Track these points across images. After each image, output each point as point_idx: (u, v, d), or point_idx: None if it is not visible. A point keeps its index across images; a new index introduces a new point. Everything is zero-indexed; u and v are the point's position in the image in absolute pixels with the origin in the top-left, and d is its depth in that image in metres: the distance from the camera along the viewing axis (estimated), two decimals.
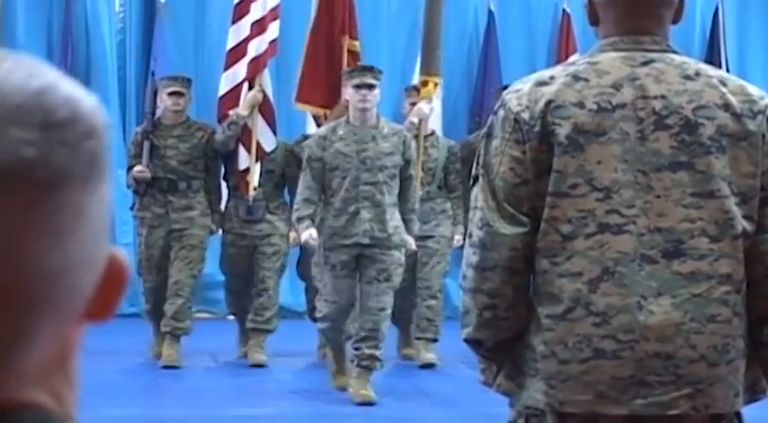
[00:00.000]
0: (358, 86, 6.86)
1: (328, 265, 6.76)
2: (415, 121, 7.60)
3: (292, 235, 7.87)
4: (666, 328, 2.48)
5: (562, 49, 10.52)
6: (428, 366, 7.88)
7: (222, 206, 8.22)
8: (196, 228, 7.95)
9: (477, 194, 2.53)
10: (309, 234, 6.72)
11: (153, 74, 8.77)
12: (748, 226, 2.51)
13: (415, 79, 8.96)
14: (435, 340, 7.99)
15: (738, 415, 2.61)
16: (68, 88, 0.80)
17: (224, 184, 8.33)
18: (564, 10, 10.73)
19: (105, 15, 10.53)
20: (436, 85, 7.68)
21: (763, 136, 2.52)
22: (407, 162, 6.84)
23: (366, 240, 6.72)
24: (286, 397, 6.95)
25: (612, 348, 2.49)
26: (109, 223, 0.82)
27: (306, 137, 7.98)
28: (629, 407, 2.50)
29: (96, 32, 10.54)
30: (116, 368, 7.45)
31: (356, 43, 8.28)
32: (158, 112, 8.12)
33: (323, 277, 6.82)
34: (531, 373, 2.55)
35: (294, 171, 7.81)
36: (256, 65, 8.28)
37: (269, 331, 7.98)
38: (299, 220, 6.79)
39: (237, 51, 8.35)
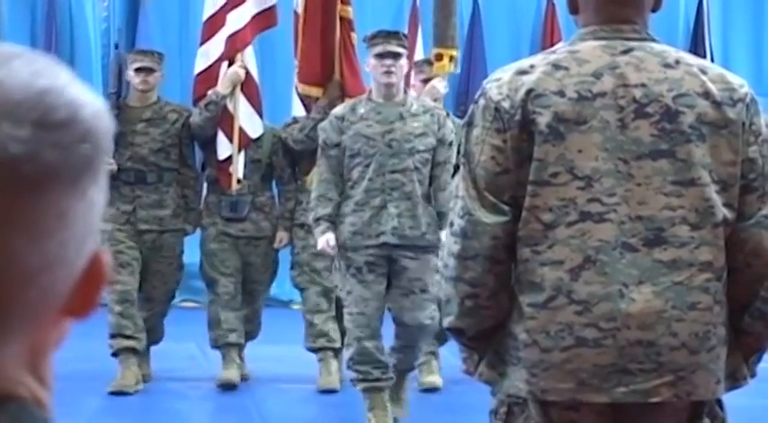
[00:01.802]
0: (381, 55, 5.81)
1: (351, 269, 5.65)
2: (430, 101, 6.32)
3: (280, 235, 6.96)
4: (648, 315, 2.49)
5: (547, 39, 10.51)
6: (431, 390, 6.74)
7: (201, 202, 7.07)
8: (168, 234, 6.84)
9: (459, 183, 2.54)
10: (326, 240, 5.67)
11: (117, 47, 7.70)
12: (729, 214, 2.52)
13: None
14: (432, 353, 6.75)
15: (719, 402, 2.62)
16: (75, 91, 0.79)
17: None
18: None
19: (89, 4, 10.49)
20: (452, 58, 6.48)
21: (743, 124, 2.53)
22: (442, 143, 5.76)
23: (395, 240, 5.63)
24: None
25: (594, 336, 2.50)
26: (97, 225, 0.81)
27: (296, 120, 7.06)
28: (611, 394, 2.51)
29: (80, 20, 10.50)
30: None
31: (348, 8, 7.02)
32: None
33: (344, 284, 5.70)
34: (512, 361, 2.56)
35: (282, 160, 6.98)
36: (235, 42, 7.03)
37: (250, 338, 6.97)
38: (316, 221, 5.75)
39: (214, 22, 7.08)
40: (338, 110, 5.95)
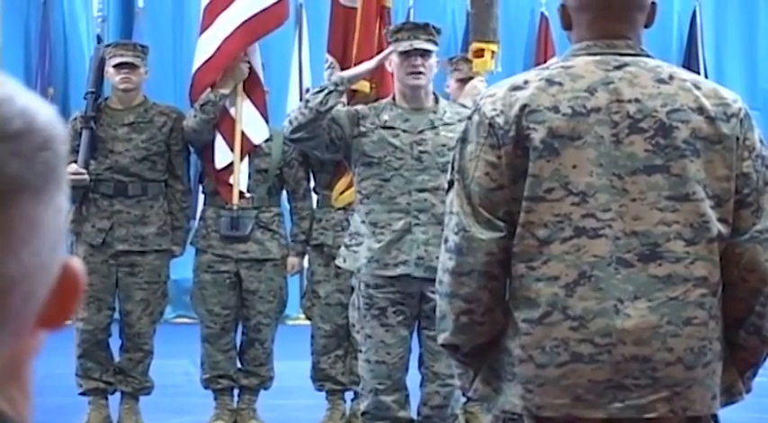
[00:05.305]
0: (407, 53, 4.98)
1: (373, 309, 4.89)
2: (470, 104, 4.97)
3: (291, 261, 6.13)
4: (643, 331, 2.49)
5: (540, 53, 10.54)
6: None
7: (196, 219, 6.26)
8: (151, 256, 5.94)
9: (453, 199, 2.54)
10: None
11: (99, 40, 6.59)
12: (723, 229, 2.52)
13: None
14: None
15: (715, 417, 2.62)
16: (25, 99, 0.80)
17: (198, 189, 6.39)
18: (542, 13, 10.75)
19: (83, 19, 10.51)
20: (494, 53, 5.50)
21: (737, 139, 2.54)
22: None
23: (420, 272, 4.82)
24: None
25: (590, 352, 2.50)
26: (64, 231, 0.83)
27: None
28: (607, 410, 2.51)
29: (74, 37, 10.52)
30: None
31: None
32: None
33: (363, 325, 4.92)
34: (508, 377, 2.56)
35: (296, 173, 6.08)
36: (248, 33, 6.07)
37: (263, 388, 6.14)
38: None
39: (217, 4, 6.10)
40: (363, 108, 5.14)
